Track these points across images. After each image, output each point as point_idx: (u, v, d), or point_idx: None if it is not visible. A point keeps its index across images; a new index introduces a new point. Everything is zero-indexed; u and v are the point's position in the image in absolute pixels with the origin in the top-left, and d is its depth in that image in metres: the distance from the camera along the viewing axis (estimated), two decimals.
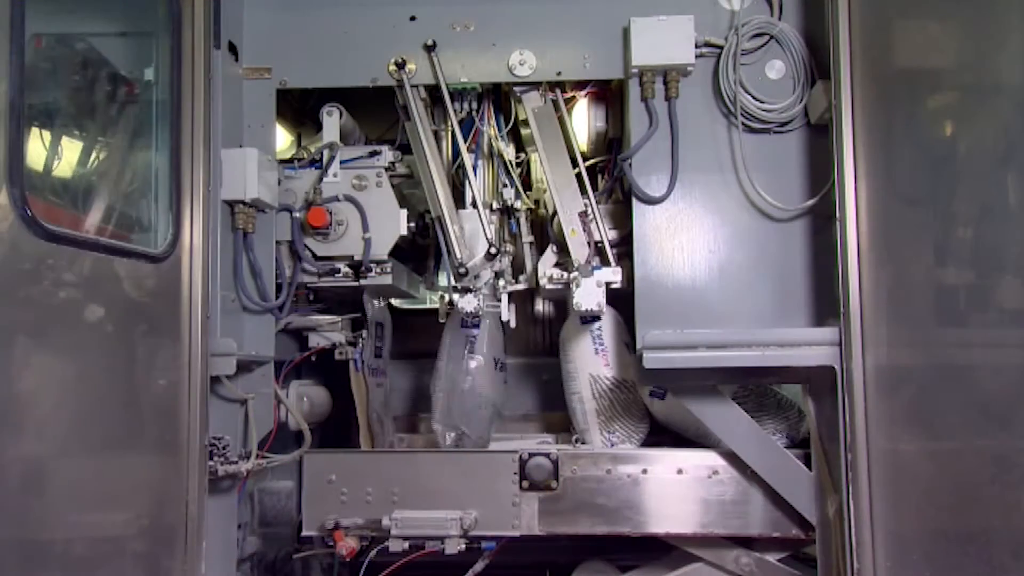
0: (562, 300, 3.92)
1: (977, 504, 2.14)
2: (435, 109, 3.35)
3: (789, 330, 2.75)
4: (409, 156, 3.31)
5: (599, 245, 3.08)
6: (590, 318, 3.15)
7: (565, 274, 3.13)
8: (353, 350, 3.37)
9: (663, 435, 3.30)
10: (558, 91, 3.21)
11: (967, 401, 2.20)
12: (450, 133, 3.35)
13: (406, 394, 4.05)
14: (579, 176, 3.11)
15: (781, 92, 2.86)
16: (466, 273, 3.05)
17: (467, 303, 3.09)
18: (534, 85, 3.16)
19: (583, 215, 3.04)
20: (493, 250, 3.08)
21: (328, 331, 3.41)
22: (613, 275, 2.97)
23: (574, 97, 3.28)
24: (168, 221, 2.53)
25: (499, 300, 3.26)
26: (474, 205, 3.28)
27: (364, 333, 3.40)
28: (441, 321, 3.38)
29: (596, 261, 3.03)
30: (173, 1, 2.58)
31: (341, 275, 3.22)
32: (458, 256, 3.06)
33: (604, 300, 2.93)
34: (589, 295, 2.92)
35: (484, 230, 3.15)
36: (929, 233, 2.36)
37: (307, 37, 3.11)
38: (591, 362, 3.19)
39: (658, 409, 3.20)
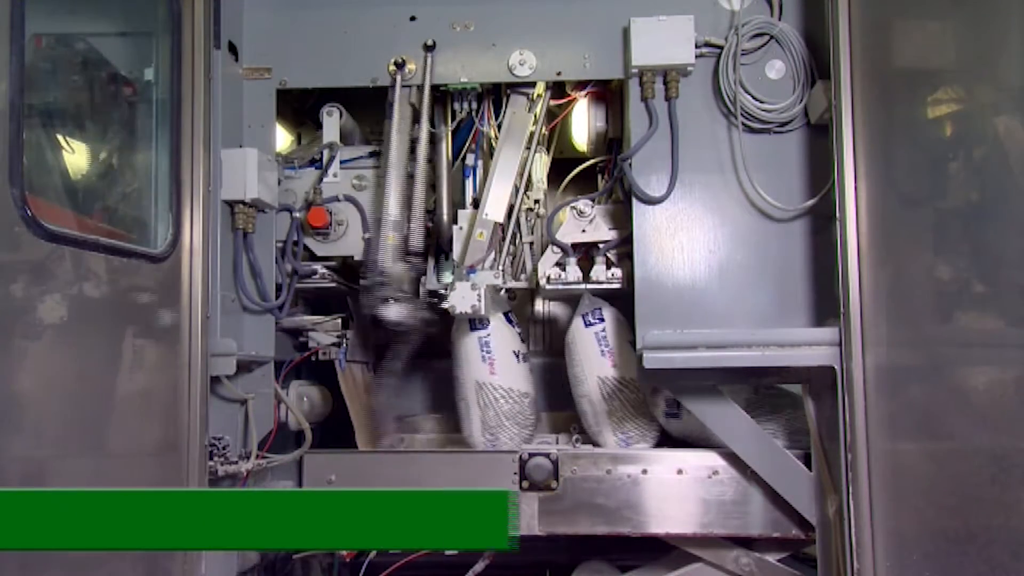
0: (562, 300, 3.92)
1: (977, 504, 2.13)
2: (436, 109, 3.36)
3: (789, 330, 2.75)
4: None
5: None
6: (583, 321, 3.18)
7: (564, 274, 3.14)
8: (337, 350, 3.38)
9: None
10: (547, 95, 3.22)
11: (967, 401, 2.20)
12: (449, 134, 3.35)
13: (406, 394, 4.04)
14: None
15: (781, 92, 2.86)
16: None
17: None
18: (532, 86, 3.16)
19: (500, 227, 3.11)
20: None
21: (330, 331, 3.41)
22: (495, 278, 3.04)
23: (573, 98, 3.28)
24: (168, 221, 2.53)
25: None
26: (474, 205, 3.27)
27: (348, 333, 3.41)
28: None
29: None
30: (173, 1, 2.58)
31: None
32: None
33: (481, 302, 2.94)
34: (463, 298, 2.96)
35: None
36: (929, 233, 2.36)
37: (307, 37, 3.11)
38: (598, 364, 3.16)
39: (675, 428, 3.15)
